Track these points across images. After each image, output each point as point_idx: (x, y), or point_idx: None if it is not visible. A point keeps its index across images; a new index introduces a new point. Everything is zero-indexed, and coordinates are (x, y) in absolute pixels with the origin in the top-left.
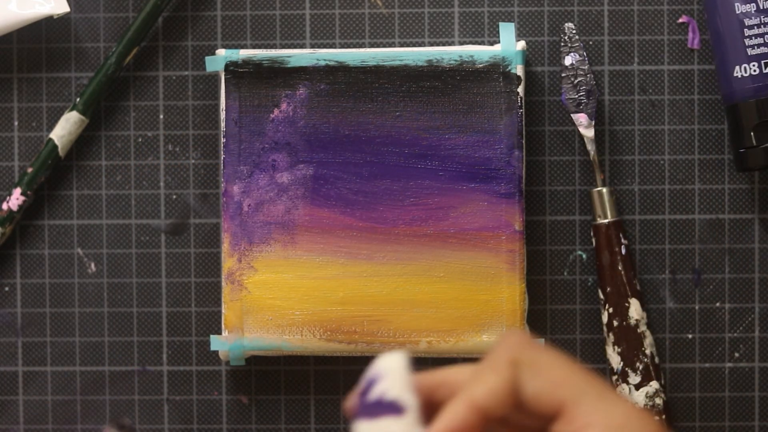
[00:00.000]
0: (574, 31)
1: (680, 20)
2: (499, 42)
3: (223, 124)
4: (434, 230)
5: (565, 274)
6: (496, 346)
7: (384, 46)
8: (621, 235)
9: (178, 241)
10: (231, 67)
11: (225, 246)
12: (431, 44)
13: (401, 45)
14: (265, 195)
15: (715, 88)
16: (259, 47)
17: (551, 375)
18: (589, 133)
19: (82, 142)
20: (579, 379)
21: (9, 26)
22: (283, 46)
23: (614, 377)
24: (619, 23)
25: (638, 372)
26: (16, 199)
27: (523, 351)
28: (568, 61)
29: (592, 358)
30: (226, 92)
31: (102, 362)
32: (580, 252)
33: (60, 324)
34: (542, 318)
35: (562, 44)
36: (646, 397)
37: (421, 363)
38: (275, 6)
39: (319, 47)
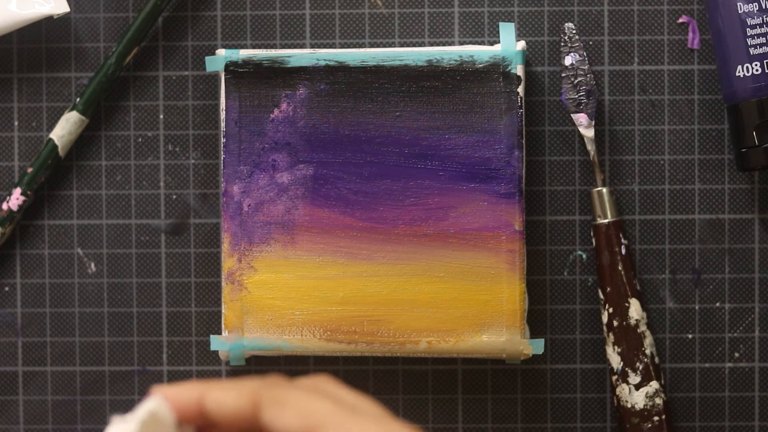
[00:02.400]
0: (574, 31)
1: (680, 20)
2: (499, 42)
3: (223, 124)
4: (434, 230)
5: (565, 274)
6: (262, 380)
7: (384, 46)
8: (621, 235)
9: (178, 241)
10: (231, 67)
11: (225, 246)
12: (431, 44)
13: (401, 45)
14: (265, 195)
15: (715, 88)
16: (259, 47)
17: (298, 407)
18: (589, 133)
19: (82, 142)
20: (327, 406)
21: (9, 26)
22: (283, 46)
23: (614, 377)
24: (619, 23)
25: (638, 372)
26: (16, 199)
27: (275, 389)
28: (568, 61)
29: (592, 358)
30: (226, 92)
31: (102, 362)
32: (580, 252)
33: (60, 324)
34: (542, 318)
35: (562, 44)
36: (646, 397)
37: (421, 362)
38: (275, 6)
39: (319, 47)
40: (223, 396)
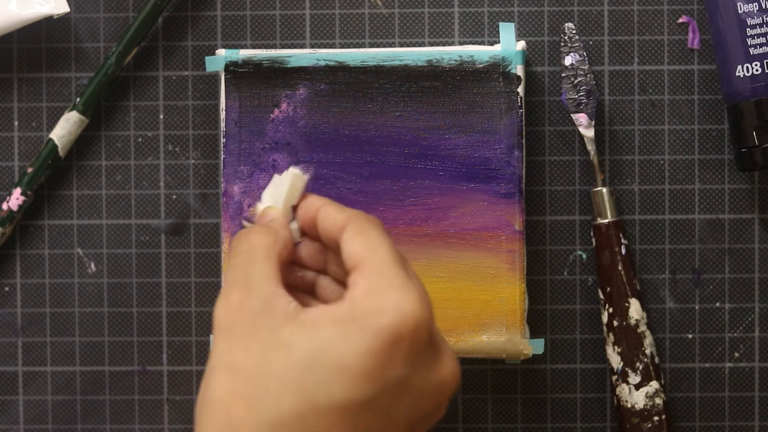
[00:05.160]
0: (574, 31)
1: (680, 20)
2: (499, 42)
3: (223, 124)
4: (434, 230)
5: (565, 274)
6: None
7: (384, 46)
8: (621, 235)
9: (178, 241)
10: (231, 67)
11: (225, 246)
12: (431, 44)
13: (401, 45)
14: None
15: (715, 88)
16: (259, 47)
17: (368, 243)
18: (589, 133)
19: (82, 142)
20: (389, 257)
21: (9, 26)
22: (283, 46)
23: (614, 377)
24: (619, 23)
25: (638, 372)
26: (16, 199)
27: (365, 222)
28: (568, 61)
29: (592, 358)
30: (226, 92)
31: (102, 362)
32: (580, 252)
33: (60, 324)
34: (542, 318)
35: (562, 44)
36: (646, 397)
37: None
38: (275, 6)
39: (319, 47)
40: (332, 211)
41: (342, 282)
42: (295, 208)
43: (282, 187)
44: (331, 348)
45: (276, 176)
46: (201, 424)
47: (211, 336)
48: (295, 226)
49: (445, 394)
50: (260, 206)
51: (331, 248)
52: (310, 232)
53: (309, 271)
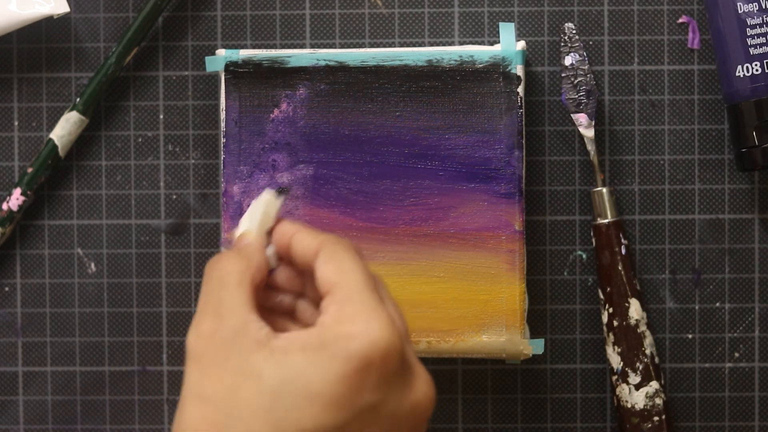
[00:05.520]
0: (574, 31)
1: (680, 20)
2: (499, 42)
3: (223, 124)
4: (434, 230)
5: (565, 274)
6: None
7: (384, 46)
8: (621, 235)
9: (178, 241)
10: (231, 67)
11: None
12: (431, 44)
13: (401, 45)
14: None
15: (715, 88)
16: (259, 47)
17: (341, 267)
18: (589, 133)
19: (82, 142)
20: (360, 284)
21: (9, 26)
22: (283, 46)
23: (614, 377)
24: (619, 23)
25: (638, 372)
26: (16, 199)
27: (336, 246)
28: (568, 61)
29: (592, 358)
30: (226, 92)
31: (102, 362)
32: (580, 252)
33: (60, 324)
34: (542, 318)
35: (562, 44)
36: (646, 397)
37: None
38: (275, 6)
39: (319, 47)
40: (305, 237)
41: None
42: (270, 233)
43: (256, 213)
44: (300, 375)
45: (254, 201)
46: None
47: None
48: (271, 251)
49: (421, 418)
50: (237, 231)
51: (307, 273)
52: (286, 257)
53: (287, 296)
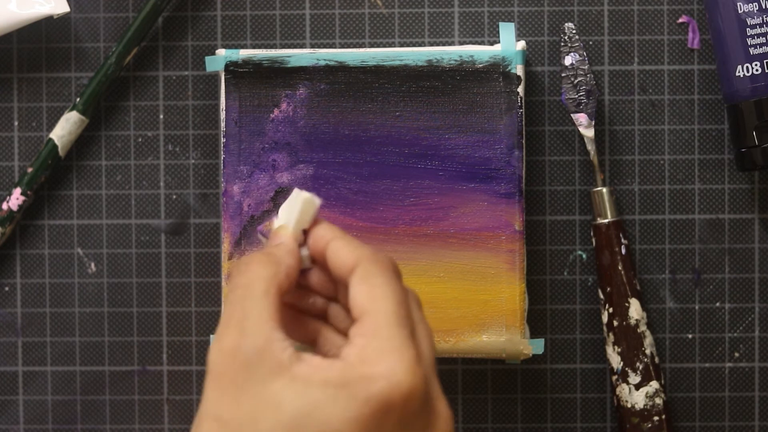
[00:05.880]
0: (574, 31)
1: (680, 20)
2: (499, 42)
3: (223, 124)
4: (434, 230)
5: (565, 274)
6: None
7: (384, 46)
8: (621, 235)
9: (178, 241)
10: (231, 67)
11: (225, 246)
12: (431, 44)
13: (401, 45)
14: (265, 195)
15: (715, 88)
16: (259, 47)
17: (373, 293)
18: (589, 133)
19: (82, 142)
20: (391, 313)
21: (9, 26)
22: (283, 46)
23: (614, 377)
24: (619, 23)
25: (638, 372)
26: (16, 199)
27: (375, 266)
28: (568, 61)
29: (592, 358)
30: (226, 92)
31: (102, 362)
32: (580, 252)
33: (60, 324)
34: (542, 318)
35: (562, 44)
36: (646, 397)
37: None
38: (275, 6)
39: (319, 47)
40: (341, 248)
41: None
42: (306, 233)
43: (294, 209)
44: (319, 410)
45: (294, 191)
46: None
47: (211, 336)
48: (306, 252)
49: None
50: (276, 222)
51: (341, 281)
52: (319, 261)
53: (320, 298)
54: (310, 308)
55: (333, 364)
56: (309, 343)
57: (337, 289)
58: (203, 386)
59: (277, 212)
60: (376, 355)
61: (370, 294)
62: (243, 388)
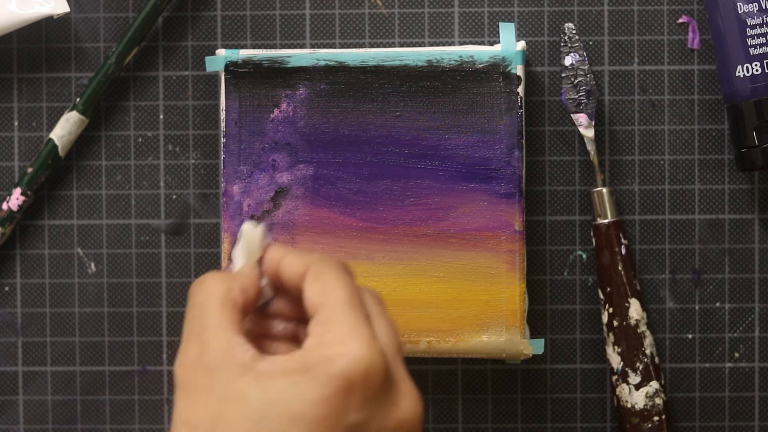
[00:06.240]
0: (574, 31)
1: (680, 20)
2: (499, 42)
3: (223, 124)
4: (434, 230)
5: (565, 274)
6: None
7: (384, 46)
8: (621, 235)
9: (178, 241)
10: (231, 67)
11: (225, 246)
12: (431, 44)
13: (401, 45)
14: (265, 195)
15: (715, 88)
16: (259, 47)
17: (326, 288)
18: (589, 133)
19: (82, 142)
20: (343, 304)
21: (9, 26)
22: (283, 46)
23: (614, 377)
24: (619, 23)
25: (638, 372)
26: (16, 199)
27: (323, 266)
28: (568, 61)
29: (592, 358)
30: (226, 92)
31: (102, 362)
32: (580, 252)
33: (60, 324)
34: (542, 318)
35: (562, 44)
36: (646, 397)
37: (421, 362)
38: (275, 6)
39: (319, 47)
40: (292, 260)
41: None
42: (260, 262)
43: (241, 245)
44: (283, 398)
45: (238, 235)
46: None
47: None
48: (265, 282)
49: (410, 420)
50: (233, 268)
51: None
52: (279, 285)
53: (290, 323)
54: (283, 334)
55: (293, 355)
56: None
57: (303, 309)
58: (174, 401)
59: (231, 259)
60: (333, 337)
61: (321, 290)
62: (208, 392)
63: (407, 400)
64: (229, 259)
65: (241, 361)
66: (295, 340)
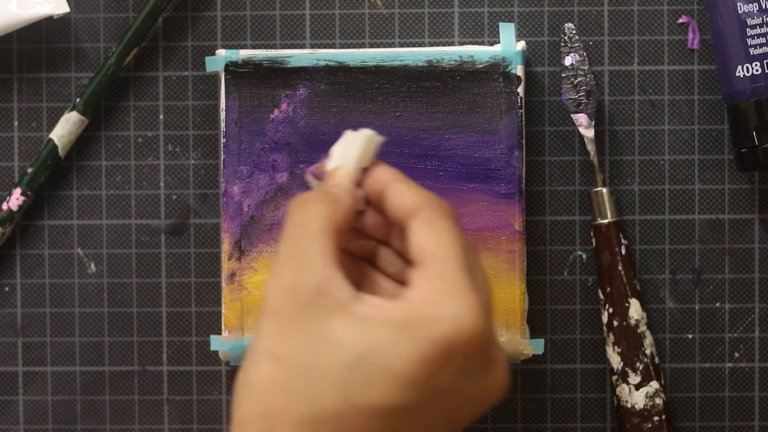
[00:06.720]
0: (574, 31)
1: (680, 20)
2: (499, 42)
3: (223, 124)
4: None
5: (565, 274)
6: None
7: (384, 46)
8: (621, 235)
9: (178, 241)
10: (231, 68)
11: (225, 246)
12: (431, 44)
13: (401, 45)
14: (265, 195)
15: (715, 88)
16: (259, 47)
17: (439, 236)
18: (589, 133)
19: (82, 142)
20: (457, 266)
21: (9, 26)
22: (283, 46)
23: (614, 377)
24: (619, 23)
25: (638, 372)
26: (16, 199)
27: (436, 210)
28: (568, 61)
29: (592, 358)
30: (226, 92)
31: (102, 362)
32: (580, 252)
33: (60, 324)
34: (542, 318)
35: (562, 44)
36: (646, 397)
37: None
38: (275, 6)
39: (319, 47)
40: (404, 191)
41: (403, 257)
42: (364, 172)
43: (354, 148)
44: (380, 351)
45: (348, 133)
46: (239, 408)
47: (211, 336)
48: (360, 193)
49: (491, 401)
50: (329, 164)
51: (395, 224)
52: (375, 203)
53: (370, 241)
54: (359, 250)
55: (395, 305)
56: (355, 286)
57: (390, 232)
58: (259, 323)
59: (328, 154)
60: (442, 298)
61: (434, 238)
62: (302, 326)
63: (499, 371)
64: (326, 156)
65: (338, 298)
66: (372, 260)
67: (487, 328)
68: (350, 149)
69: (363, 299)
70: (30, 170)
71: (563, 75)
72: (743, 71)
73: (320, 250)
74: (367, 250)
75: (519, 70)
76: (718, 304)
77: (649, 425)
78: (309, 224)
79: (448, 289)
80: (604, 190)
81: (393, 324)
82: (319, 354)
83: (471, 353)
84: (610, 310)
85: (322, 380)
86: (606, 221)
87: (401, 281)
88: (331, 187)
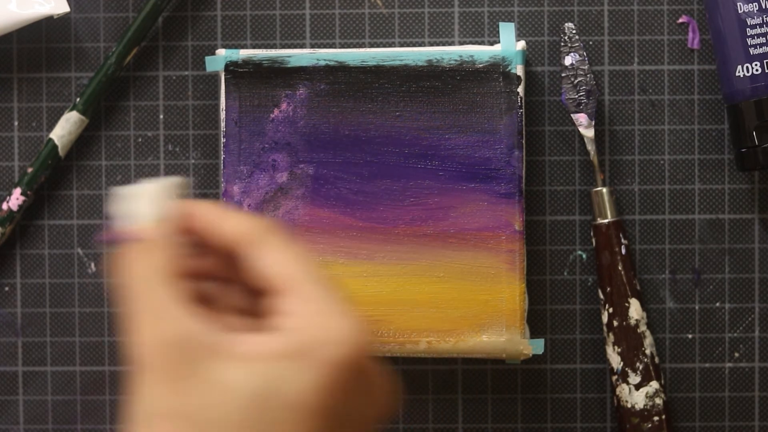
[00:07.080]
0: (574, 31)
1: (680, 20)
2: (499, 42)
3: (223, 124)
4: (434, 230)
5: (565, 274)
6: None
7: (384, 46)
8: (621, 235)
9: None
10: (231, 67)
11: None
12: (431, 44)
13: (401, 45)
14: (265, 195)
15: (715, 88)
16: (259, 47)
17: (280, 258)
18: (589, 133)
19: (82, 142)
20: (304, 272)
21: (9, 26)
22: (283, 46)
23: (614, 377)
24: (619, 23)
25: (638, 372)
26: (16, 199)
27: (268, 234)
28: (568, 61)
29: (592, 358)
30: (226, 92)
31: (102, 362)
32: (580, 252)
33: (60, 324)
34: (542, 318)
35: (562, 44)
36: (646, 397)
37: (421, 362)
38: (275, 6)
39: (319, 47)
40: (233, 221)
41: (248, 288)
42: (174, 218)
43: (149, 199)
44: (278, 386)
45: (133, 187)
46: None
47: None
48: (179, 239)
49: (385, 413)
50: (126, 224)
51: (230, 258)
52: (199, 243)
53: (206, 282)
54: (199, 295)
55: (276, 337)
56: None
57: (226, 268)
58: (137, 384)
59: (117, 213)
60: (322, 319)
61: (284, 261)
62: (187, 378)
63: (383, 380)
64: (115, 217)
65: (210, 341)
66: (203, 300)
67: (366, 341)
68: (144, 202)
69: (236, 339)
70: (30, 170)
71: (563, 75)
72: (743, 71)
73: (171, 298)
74: (208, 293)
75: (519, 70)
76: (718, 304)
77: (649, 425)
78: (150, 275)
79: (324, 309)
80: (604, 189)
81: (283, 356)
82: (215, 402)
83: (362, 369)
84: (610, 310)
85: (228, 427)
86: (606, 221)
87: (253, 313)
88: (148, 241)
